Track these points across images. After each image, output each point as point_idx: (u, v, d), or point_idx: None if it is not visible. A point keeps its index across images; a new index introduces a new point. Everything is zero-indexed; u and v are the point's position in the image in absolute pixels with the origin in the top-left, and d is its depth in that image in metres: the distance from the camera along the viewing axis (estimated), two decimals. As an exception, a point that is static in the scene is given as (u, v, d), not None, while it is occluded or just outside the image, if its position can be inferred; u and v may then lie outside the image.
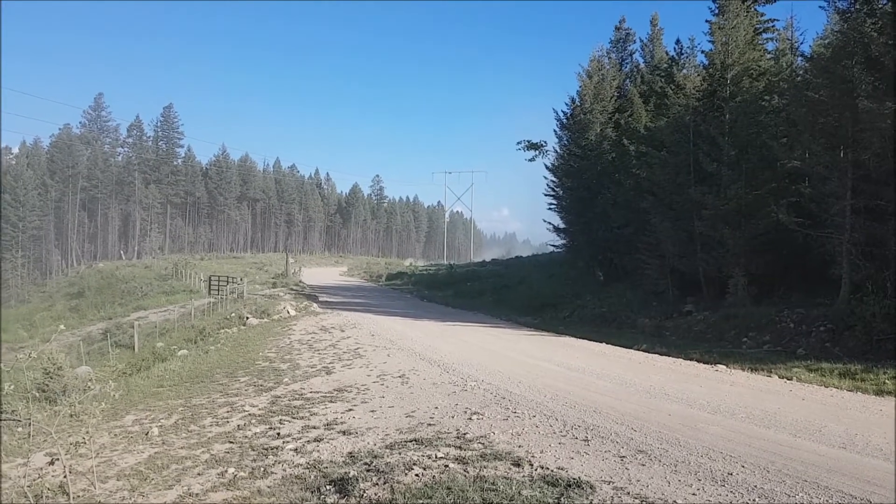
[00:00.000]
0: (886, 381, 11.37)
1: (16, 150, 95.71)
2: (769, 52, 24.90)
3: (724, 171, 20.75)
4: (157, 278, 57.61)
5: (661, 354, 15.53)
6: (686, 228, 22.24)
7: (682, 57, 27.42)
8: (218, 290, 39.02)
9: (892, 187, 15.89)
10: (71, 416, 8.88)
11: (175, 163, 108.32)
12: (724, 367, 13.51)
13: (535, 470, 6.72)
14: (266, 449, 8.16)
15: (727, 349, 16.25)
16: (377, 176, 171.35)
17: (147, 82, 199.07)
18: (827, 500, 5.83)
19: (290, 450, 8.05)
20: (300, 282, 50.52)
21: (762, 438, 7.94)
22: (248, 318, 24.60)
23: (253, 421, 9.75)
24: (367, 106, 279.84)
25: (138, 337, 24.09)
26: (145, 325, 28.22)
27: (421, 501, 5.82)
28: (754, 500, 5.87)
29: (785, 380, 12.10)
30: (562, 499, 5.80)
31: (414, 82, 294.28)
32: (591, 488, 6.11)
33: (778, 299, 19.26)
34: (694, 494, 6.03)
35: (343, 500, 6.13)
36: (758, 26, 24.16)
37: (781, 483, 6.29)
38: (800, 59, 23.80)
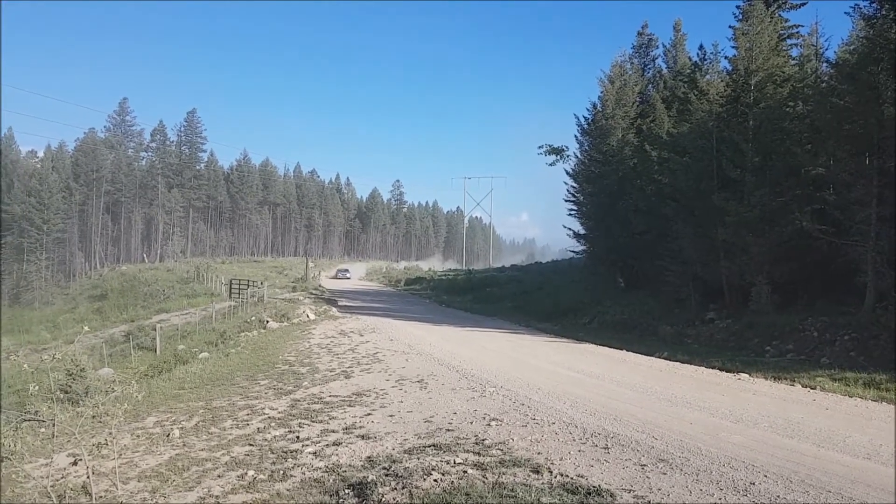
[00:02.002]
0: (913, 391, 11.18)
1: (41, 154, 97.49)
2: (793, 58, 24.60)
3: (747, 177, 20.52)
4: (178, 281, 58.20)
5: (682, 362, 15.39)
6: (709, 235, 22.02)
7: (706, 62, 27.18)
8: (238, 293, 39.30)
9: (920, 195, 15.67)
10: (93, 417, 8.95)
11: (198, 167, 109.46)
12: (746, 375, 13.36)
13: (555, 477, 6.67)
14: (285, 452, 8.19)
15: (750, 357, 16.07)
16: (397, 181, 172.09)
17: (171, 87, 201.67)
18: (852, 513, 5.74)
19: (309, 453, 8.08)
20: (320, 286, 50.79)
21: (785, 448, 7.83)
22: (268, 321, 24.75)
23: (272, 424, 9.79)
24: (387, 110, 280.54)
25: (160, 339, 24.31)
26: (167, 327, 28.49)
27: (439, 507, 5.80)
28: (777, 510, 5.78)
29: (808, 389, 11.95)
30: (581, 507, 5.75)
31: (435, 86, 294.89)
32: (611, 496, 6.06)
33: (801, 307, 18.99)
34: (716, 504, 5.96)
35: (361, 505, 6.13)
36: (782, 32, 23.89)
37: (805, 493, 6.20)
38: (825, 65, 23.48)
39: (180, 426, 10.13)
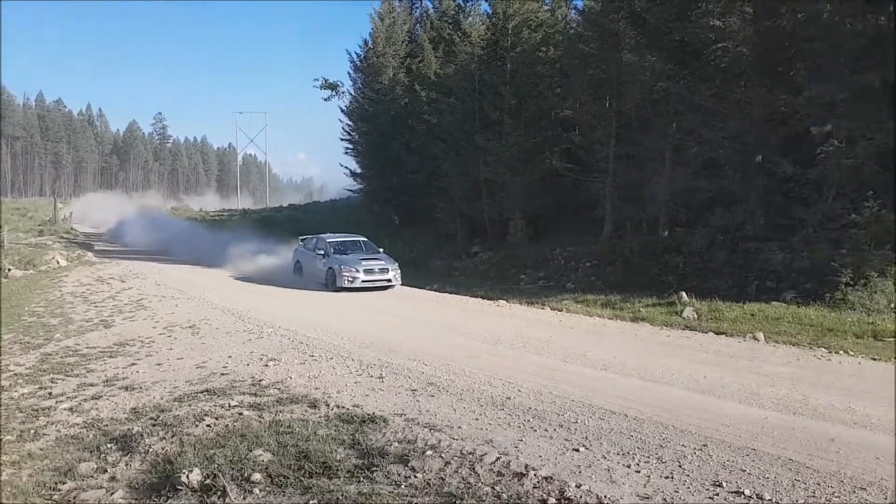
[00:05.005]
0: (641, 308, 12.99)
1: None
2: (546, 4, 26.18)
3: (505, 118, 21.89)
4: None
5: (450, 293, 16.45)
6: (472, 174, 23.30)
7: (469, 4, 28.11)
8: (-30, 240, 34.46)
9: (649, 136, 17.79)
10: None
11: None
12: (504, 301, 14.62)
13: (332, 410, 6.89)
14: (36, 410, 7.52)
15: (508, 285, 17.53)
16: (160, 114, 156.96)
17: None
18: (590, 416, 6.61)
19: (65, 409, 7.50)
20: (72, 229, 46.15)
21: (536, 364, 8.80)
22: (9, 269, 22.12)
23: (20, 381, 8.89)
24: (145, 36, 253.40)
25: None
26: None
27: (213, 451, 5.70)
28: (528, 420, 6.51)
29: (556, 311, 13.38)
30: (357, 434, 6.01)
31: (199, 13, 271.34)
32: (384, 422, 6.40)
33: (552, 239, 20.97)
34: (477, 419, 6.56)
35: (126, 458, 5.85)
36: (537, -23, 25.27)
37: (552, 403, 7.04)
38: (573, 12, 25.32)
39: None
